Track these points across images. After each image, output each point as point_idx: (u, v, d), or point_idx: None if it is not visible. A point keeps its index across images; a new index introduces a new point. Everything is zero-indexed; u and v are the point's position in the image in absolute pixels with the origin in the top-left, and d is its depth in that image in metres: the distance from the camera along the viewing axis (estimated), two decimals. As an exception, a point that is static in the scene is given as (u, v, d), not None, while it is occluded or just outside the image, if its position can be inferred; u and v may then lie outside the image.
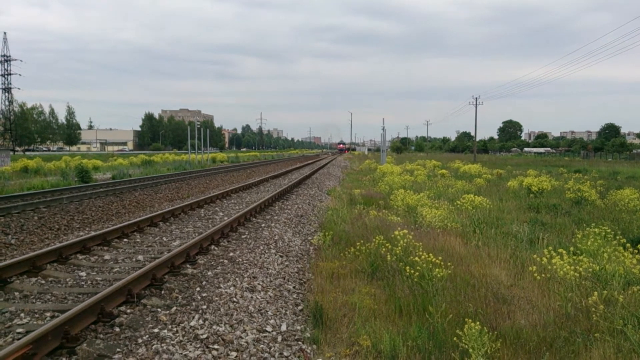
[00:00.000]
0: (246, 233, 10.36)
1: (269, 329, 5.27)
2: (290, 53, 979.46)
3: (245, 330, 5.11)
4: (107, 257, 8.15)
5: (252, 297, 6.12)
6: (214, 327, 5.05)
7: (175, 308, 5.59)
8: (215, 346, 4.65)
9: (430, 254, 6.04)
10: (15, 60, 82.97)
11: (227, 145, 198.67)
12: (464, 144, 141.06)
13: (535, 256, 6.36)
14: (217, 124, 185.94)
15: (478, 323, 4.40)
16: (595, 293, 4.91)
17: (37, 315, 5.39)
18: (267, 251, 8.68)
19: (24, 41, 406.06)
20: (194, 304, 5.73)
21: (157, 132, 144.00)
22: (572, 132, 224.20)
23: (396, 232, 7.20)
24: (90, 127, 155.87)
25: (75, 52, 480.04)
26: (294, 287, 6.95)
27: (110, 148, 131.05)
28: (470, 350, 4.24)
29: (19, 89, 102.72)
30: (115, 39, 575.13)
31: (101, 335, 4.89)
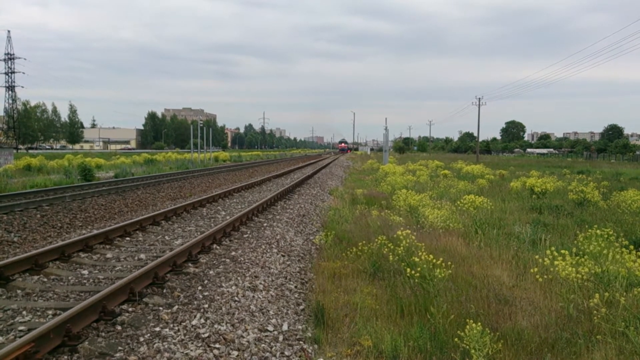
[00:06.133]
0: (248, 232, 10.37)
1: (270, 328, 5.28)
2: (290, 53, 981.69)
3: (247, 329, 5.11)
4: (109, 255, 8.16)
5: (253, 297, 6.12)
6: (216, 326, 5.06)
7: (177, 307, 5.60)
8: (217, 345, 4.66)
9: (431, 255, 6.03)
10: (19, 58, 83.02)
11: (229, 144, 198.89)
12: (467, 145, 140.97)
13: (537, 257, 6.35)
14: (219, 123, 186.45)
15: (479, 324, 4.39)
16: (597, 295, 4.90)
17: (39, 313, 5.41)
18: (269, 250, 8.69)
19: (24, 39, 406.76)
20: (195, 302, 5.74)
21: (160, 131, 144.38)
22: (575, 133, 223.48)
23: (399, 232, 7.19)
24: (94, 126, 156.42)
25: (75, 51, 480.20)
26: (295, 287, 6.96)
27: (113, 147, 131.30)
28: (472, 351, 4.24)
29: (22, 87, 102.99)
30: (115, 38, 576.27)
31: (103, 334, 4.90)
